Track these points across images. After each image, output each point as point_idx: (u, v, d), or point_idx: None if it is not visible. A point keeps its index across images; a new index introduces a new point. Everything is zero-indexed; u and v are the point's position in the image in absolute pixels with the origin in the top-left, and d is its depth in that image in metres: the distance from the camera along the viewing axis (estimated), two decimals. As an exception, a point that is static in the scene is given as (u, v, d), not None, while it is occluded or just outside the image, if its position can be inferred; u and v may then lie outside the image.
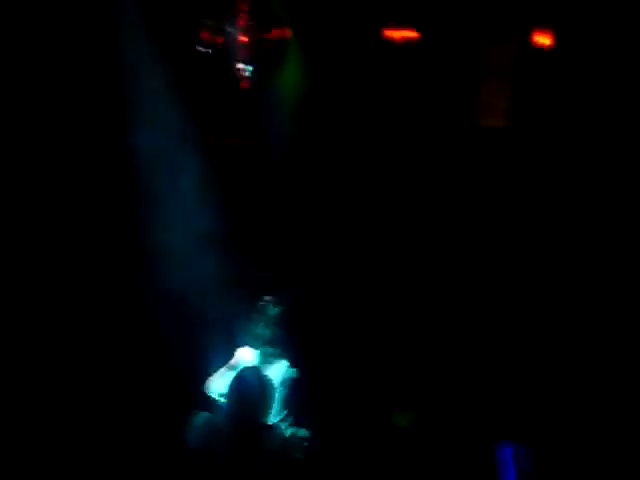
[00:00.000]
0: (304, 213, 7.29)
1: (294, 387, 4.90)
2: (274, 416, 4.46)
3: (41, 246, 6.30)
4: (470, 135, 7.33)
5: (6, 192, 6.19)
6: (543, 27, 6.96)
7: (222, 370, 4.90)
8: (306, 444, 3.97)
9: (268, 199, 7.32)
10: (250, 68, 7.06)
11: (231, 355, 5.04)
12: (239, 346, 5.10)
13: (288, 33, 7.09)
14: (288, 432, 4.25)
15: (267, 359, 4.95)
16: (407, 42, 7.25)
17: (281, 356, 5.03)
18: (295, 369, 4.97)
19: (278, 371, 4.90)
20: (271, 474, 3.39)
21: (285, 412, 4.78)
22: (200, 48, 6.94)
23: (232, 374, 3.88)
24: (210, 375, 4.92)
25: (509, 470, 4.38)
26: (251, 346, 5.04)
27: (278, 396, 4.59)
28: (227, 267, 6.28)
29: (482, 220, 7.18)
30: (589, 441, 5.23)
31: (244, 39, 7.01)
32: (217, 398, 4.65)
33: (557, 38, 6.92)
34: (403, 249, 7.31)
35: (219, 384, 4.69)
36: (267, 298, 5.14)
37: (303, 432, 4.21)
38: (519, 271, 6.98)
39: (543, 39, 6.97)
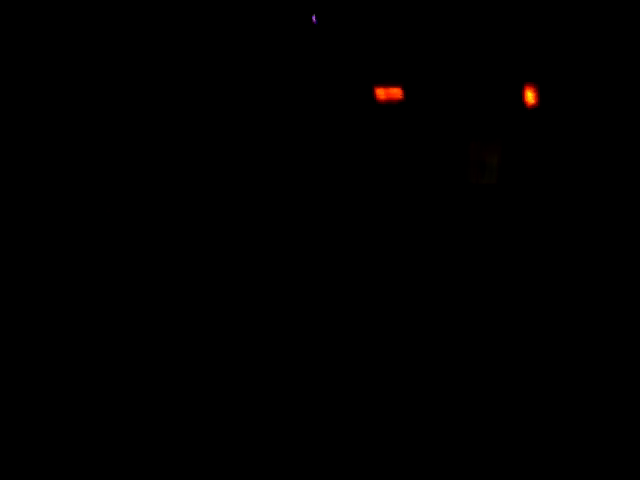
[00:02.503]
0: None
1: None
2: None
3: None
4: (460, 192, 7.33)
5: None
6: (530, 86, 7.01)
7: None
8: None
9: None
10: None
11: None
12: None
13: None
14: None
15: None
16: (398, 102, 7.36)
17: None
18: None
19: None
20: None
21: None
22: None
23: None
24: None
25: None
26: None
27: None
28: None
29: (474, 273, 7.11)
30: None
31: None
32: None
33: (543, 96, 6.95)
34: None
35: None
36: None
37: None
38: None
39: (530, 97, 7.02)
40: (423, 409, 5.63)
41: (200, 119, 7.22)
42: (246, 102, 7.32)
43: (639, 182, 6.61)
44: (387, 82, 7.31)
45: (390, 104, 7.34)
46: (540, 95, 6.93)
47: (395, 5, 7.13)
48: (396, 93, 7.32)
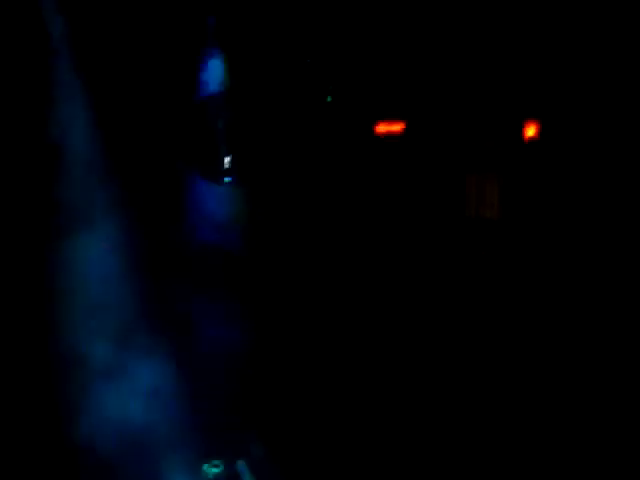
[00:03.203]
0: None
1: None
2: None
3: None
4: (459, 226, 7.37)
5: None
6: (529, 120, 7.14)
7: None
8: None
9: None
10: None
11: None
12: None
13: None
14: None
15: None
16: (397, 137, 7.45)
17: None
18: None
19: None
20: None
21: None
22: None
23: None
24: None
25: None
26: None
27: None
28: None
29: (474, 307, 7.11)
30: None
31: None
32: None
33: (543, 130, 7.08)
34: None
35: None
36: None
37: None
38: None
39: (529, 131, 7.14)
40: (423, 409, 5.52)
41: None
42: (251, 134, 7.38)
43: (638, 214, 6.70)
44: (388, 117, 7.41)
45: (391, 138, 7.43)
46: (541, 129, 7.05)
47: (396, 40, 7.28)
48: (397, 128, 7.41)
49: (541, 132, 7.09)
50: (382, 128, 7.42)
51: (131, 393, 5.86)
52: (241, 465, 5.37)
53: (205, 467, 5.35)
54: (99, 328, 5.98)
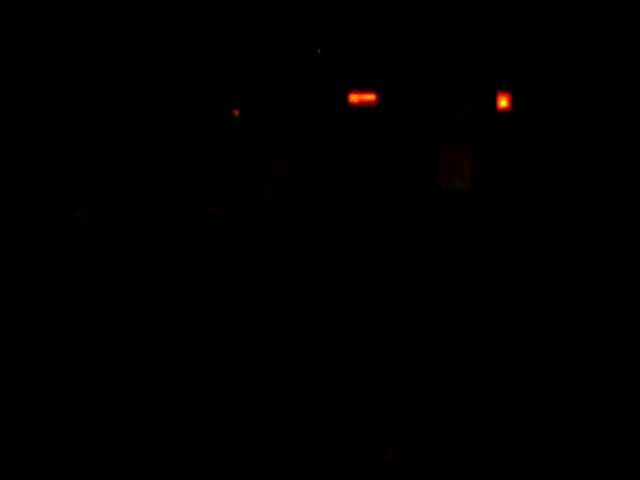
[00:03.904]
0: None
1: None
2: None
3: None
4: (431, 198, 7.31)
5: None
6: (502, 91, 7.12)
7: None
8: None
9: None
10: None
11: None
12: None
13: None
14: None
15: None
16: (368, 105, 7.36)
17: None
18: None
19: None
20: None
21: None
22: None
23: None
24: None
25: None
26: None
27: None
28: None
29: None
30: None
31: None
32: None
33: (515, 101, 7.06)
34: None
35: None
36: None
37: None
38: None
39: (502, 102, 7.12)
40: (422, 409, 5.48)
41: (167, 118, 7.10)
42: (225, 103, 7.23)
43: (614, 185, 6.72)
44: (361, 86, 7.32)
45: (363, 109, 7.34)
46: (513, 100, 7.04)
47: (369, 10, 7.20)
48: (370, 97, 7.33)
49: (514, 103, 7.07)
50: (355, 98, 7.34)
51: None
52: None
53: None
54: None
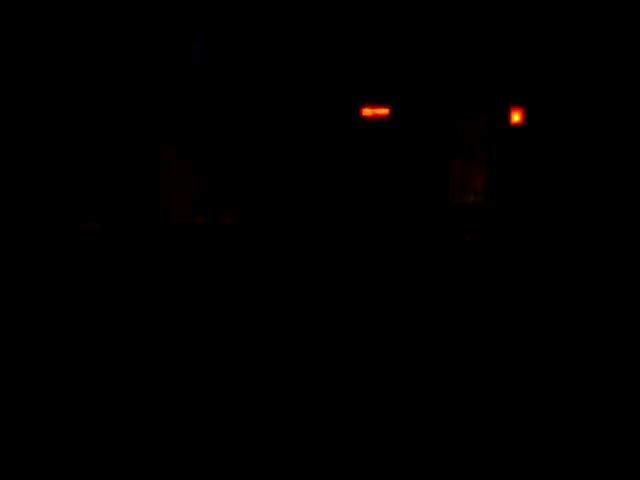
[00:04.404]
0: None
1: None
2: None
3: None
4: (442, 212, 7.34)
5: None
6: (515, 106, 7.17)
7: None
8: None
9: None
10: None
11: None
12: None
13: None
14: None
15: None
16: (381, 119, 7.41)
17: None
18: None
19: None
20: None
21: None
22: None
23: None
24: None
25: None
26: None
27: None
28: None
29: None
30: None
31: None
32: None
33: (528, 116, 7.11)
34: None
35: None
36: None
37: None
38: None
39: (514, 117, 7.16)
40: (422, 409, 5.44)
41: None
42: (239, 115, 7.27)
43: (621, 198, 6.74)
44: (375, 100, 7.37)
45: (376, 122, 7.39)
46: (526, 115, 7.08)
47: (382, 26, 7.27)
48: (382, 111, 7.38)
49: (527, 118, 7.12)
50: (368, 111, 7.38)
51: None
52: None
53: None
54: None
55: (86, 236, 7.00)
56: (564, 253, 6.83)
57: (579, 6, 6.84)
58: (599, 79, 6.80)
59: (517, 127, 7.12)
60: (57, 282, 6.45)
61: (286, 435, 4.38)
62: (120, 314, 6.22)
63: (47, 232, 6.96)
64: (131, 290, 6.53)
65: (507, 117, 7.14)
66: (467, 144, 7.34)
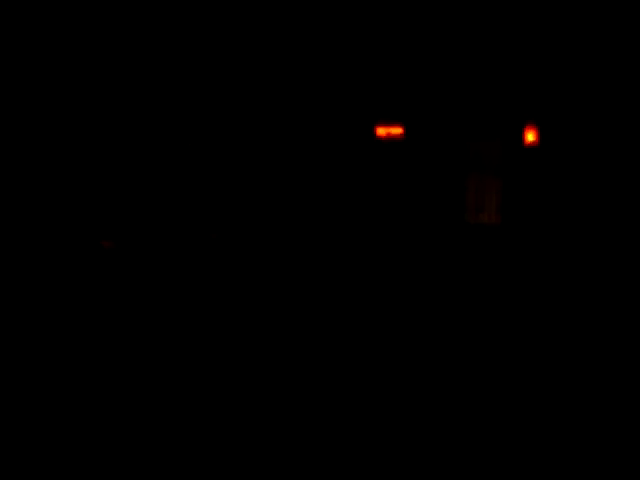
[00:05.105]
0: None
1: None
2: None
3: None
4: (459, 232, 7.32)
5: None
6: (529, 125, 7.13)
7: None
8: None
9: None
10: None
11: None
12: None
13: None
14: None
15: None
16: (395, 138, 7.41)
17: None
18: None
19: None
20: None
21: None
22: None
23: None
24: None
25: None
26: None
27: None
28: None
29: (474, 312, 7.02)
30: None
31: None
32: None
33: (542, 135, 7.07)
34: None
35: None
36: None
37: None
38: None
39: (529, 136, 7.13)
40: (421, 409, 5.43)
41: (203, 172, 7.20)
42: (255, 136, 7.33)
43: (637, 216, 6.67)
44: (389, 120, 7.38)
45: (391, 141, 7.40)
46: (540, 135, 7.04)
47: (396, 44, 7.28)
48: (397, 131, 7.39)
49: (541, 138, 7.08)
50: (382, 131, 7.40)
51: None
52: None
53: None
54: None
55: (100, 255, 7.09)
56: (580, 273, 6.77)
57: (593, 26, 6.80)
58: (614, 99, 6.74)
59: (532, 147, 7.08)
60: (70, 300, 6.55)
61: (286, 435, 4.39)
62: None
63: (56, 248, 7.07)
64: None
65: (521, 137, 7.11)
66: (482, 164, 7.31)
